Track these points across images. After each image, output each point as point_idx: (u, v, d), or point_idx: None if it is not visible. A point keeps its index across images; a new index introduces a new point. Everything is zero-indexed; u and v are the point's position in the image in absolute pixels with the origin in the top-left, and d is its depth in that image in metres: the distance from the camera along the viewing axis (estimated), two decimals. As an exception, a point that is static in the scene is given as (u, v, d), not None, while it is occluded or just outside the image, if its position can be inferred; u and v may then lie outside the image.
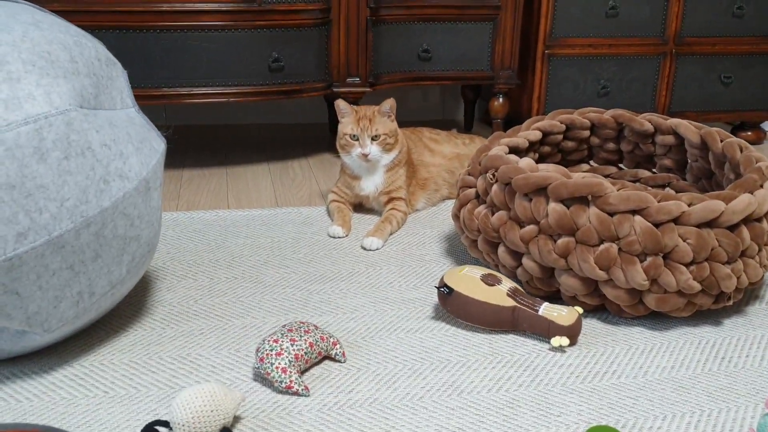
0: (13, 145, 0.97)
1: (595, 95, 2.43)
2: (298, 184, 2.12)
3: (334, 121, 1.84)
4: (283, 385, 1.08)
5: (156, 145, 1.22)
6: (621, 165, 1.80)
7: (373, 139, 1.72)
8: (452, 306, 1.28)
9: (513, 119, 2.57)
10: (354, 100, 2.21)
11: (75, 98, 1.07)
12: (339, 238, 1.70)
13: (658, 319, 1.33)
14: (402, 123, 2.21)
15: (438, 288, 1.30)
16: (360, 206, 1.88)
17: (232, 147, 2.48)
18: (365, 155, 1.72)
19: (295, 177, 2.18)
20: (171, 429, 0.97)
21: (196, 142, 2.52)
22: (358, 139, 1.73)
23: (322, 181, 2.13)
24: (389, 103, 1.74)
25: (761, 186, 1.32)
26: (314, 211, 1.87)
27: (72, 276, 1.07)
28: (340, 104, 1.76)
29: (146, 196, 1.17)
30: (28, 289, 1.02)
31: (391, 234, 1.72)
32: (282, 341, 1.12)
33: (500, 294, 1.26)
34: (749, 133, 2.64)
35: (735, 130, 2.67)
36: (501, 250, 1.39)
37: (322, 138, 2.61)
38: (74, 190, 1.04)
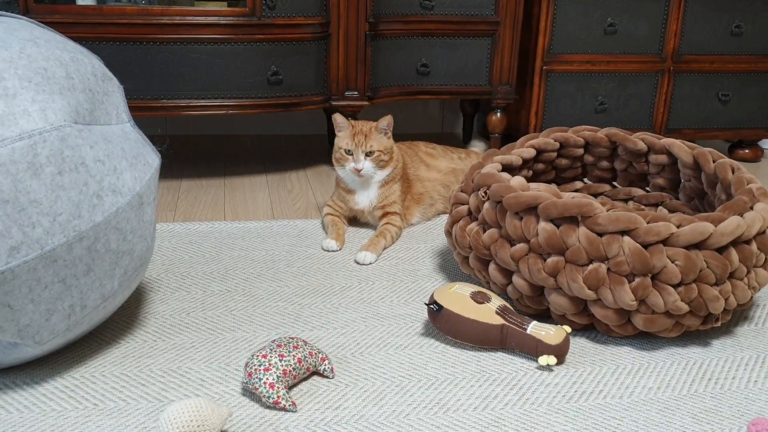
0: (7, 160, 0.99)
1: (592, 111, 2.44)
2: (295, 196, 2.13)
3: (333, 133, 1.86)
4: (271, 400, 1.09)
5: (150, 160, 1.23)
6: (615, 183, 1.81)
7: (367, 155, 1.73)
8: (441, 323, 1.29)
9: (511, 134, 2.59)
10: (352, 113, 2.22)
11: (70, 114, 1.08)
12: (333, 251, 1.71)
13: (646, 339, 1.34)
14: (401, 136, 2.22)
15: (428, 305, 1.31)
16: (355, 220, 1.89)
17: (231, 158, 2.49)
18: (358, 170, 1.73)
19: (292, 189, 2.19)
20: (158, 443, 0.98)
21: (195, 153, 2.54)
22: (352, 154, 1.74)
23: (319, 194, 2.15)
24: (386, 120, 1.75)
25: (751, 208, 1.33)
26: (309, 224, 1.88)
27: (64, 289, 1.08)
28: (338, 118, 1.77)
29: (139, 210, 1.18)
30: (20, 302, 1.04)
31: (385, 248, 1.73)
32: (271, 356, 1.13)
33: (489, 312, 1.27)
34: (747, 151, 2.65)
35: (732, 148, 2.68)
36: (492, 267, 1.40)
37: (320, 150, 2.62)
38: (67, 205, 1.05)
